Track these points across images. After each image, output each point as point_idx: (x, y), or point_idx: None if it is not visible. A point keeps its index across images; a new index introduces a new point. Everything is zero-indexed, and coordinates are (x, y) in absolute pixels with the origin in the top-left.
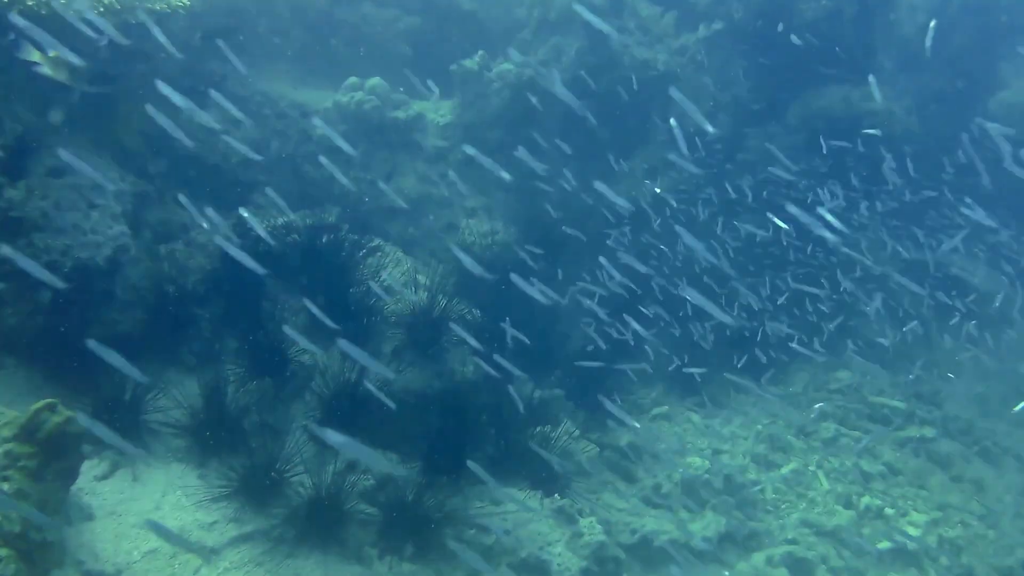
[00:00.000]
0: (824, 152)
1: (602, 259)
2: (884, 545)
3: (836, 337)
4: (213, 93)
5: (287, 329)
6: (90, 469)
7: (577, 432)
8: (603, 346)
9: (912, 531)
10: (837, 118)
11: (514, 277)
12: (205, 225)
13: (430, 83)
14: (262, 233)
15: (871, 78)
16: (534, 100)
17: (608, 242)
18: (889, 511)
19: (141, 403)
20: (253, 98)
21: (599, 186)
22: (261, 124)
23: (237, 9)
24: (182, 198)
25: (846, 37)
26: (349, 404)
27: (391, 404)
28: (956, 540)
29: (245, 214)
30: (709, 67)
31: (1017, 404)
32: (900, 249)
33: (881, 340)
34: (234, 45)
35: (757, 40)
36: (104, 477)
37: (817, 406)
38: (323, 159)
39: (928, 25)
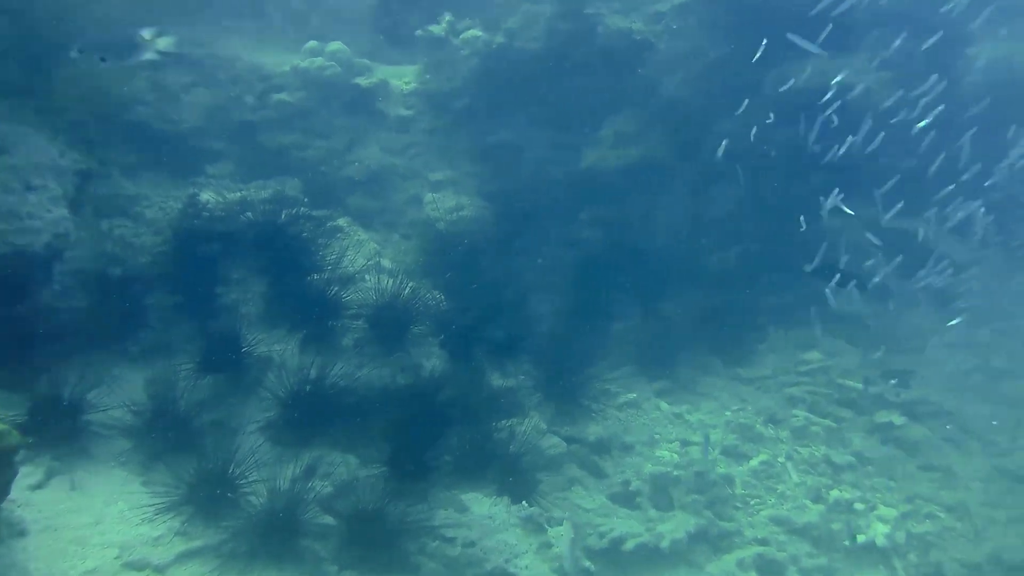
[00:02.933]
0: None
1: None
2: (853, 542)
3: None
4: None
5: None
6: (23, 477)
7: (545, 426)
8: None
9: (881, 527)
10: (814, 90)
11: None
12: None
13: None
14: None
15: None
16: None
17: None
18: (859, 506)
19: (82, 402)
20: (207, 60)
21: None
22: (215, 89)
23: None
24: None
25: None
26: (308, 401)
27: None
28: (925, 536)
29: (197, 191)
30: (684, 35)
31: (981, 377)
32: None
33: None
34: (191, 4)
35: (735, 8)
36: (39, 486)
37: None
38: None
39: None
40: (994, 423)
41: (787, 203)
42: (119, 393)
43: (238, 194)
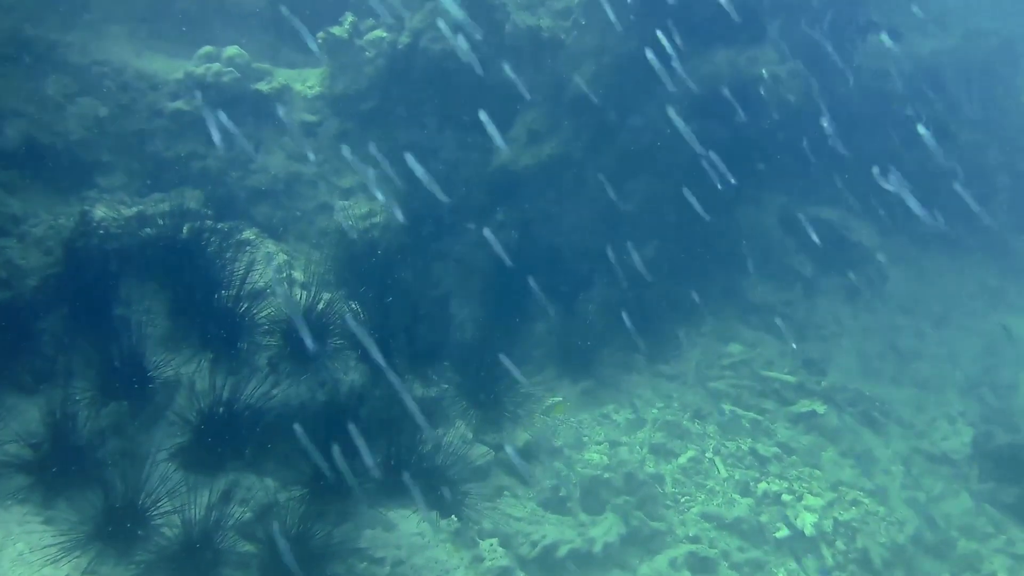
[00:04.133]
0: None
1: None
2: (782, 533)
3: (722, 301)
4: None
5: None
6: None
7: (471, 435)
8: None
9: (808, 517)
10: (724, 82)
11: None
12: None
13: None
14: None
15: None
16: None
17: None
18: (786, 497)
19: None
20: (91, 68)
21: None
22: (102, 98)
23: None
24: None
25: None
26: (221, 424)
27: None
28: (850, 522)
29: (89, 207)
30: (591, 30)
31: (894, 361)
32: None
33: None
34: (67, 6)
35: (644, 1)
36: None
37: None
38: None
39: None
40: (909, 406)
41: (703, 196)
42: (13, 426)
43: (135, 209)
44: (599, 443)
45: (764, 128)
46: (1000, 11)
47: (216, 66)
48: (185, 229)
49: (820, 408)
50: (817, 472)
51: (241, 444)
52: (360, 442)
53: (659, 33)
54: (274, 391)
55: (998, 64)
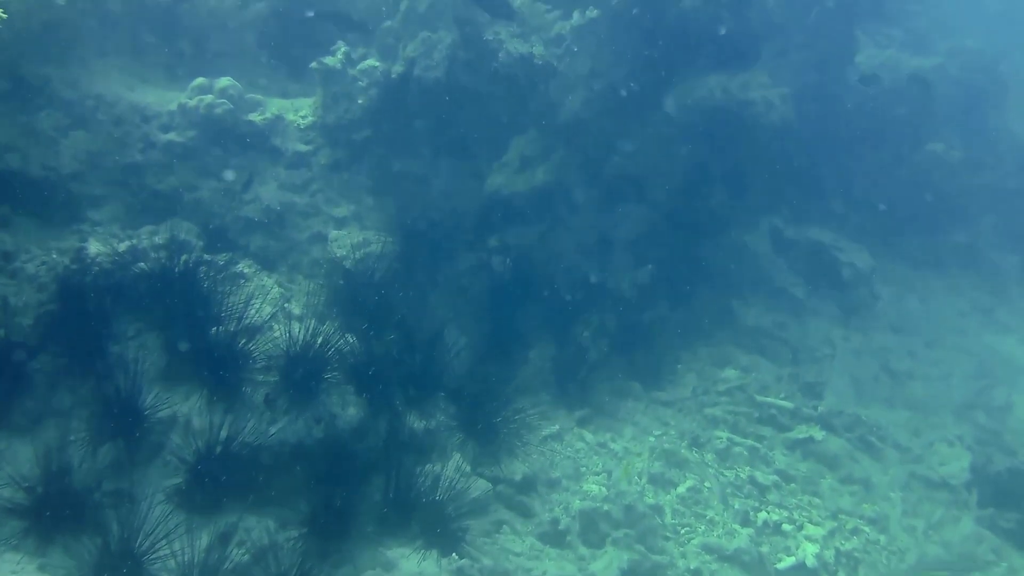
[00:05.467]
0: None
1: None
2: (785, 564)
3: (717, 325)
4: None
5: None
6: None
7: (468, 468)
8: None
9: (810, 547)
10: (716, 108)
11: None
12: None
13: None
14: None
15: None
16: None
17: None
18: (787, 526)
19: None
20: (84, 102)
21: None
22: (95, 131)
23: (59, 6)
24: None
25: (725, 23)
26: (218, 464)
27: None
28: (852, 552)
29: (83, 244)
30: (585, 56)
31: (887, 383)
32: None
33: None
34: (59, 42)
35: (635, 28)
36: None
37: None
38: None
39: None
40: (905, 429)
41: (696, 220)
42: (6, 469)
43: (128, 243)
44: (597, 473)
45: (756, 151)
46: (984, 29)
47: (209, 97)
48: (179, 262)
49: (818, 434)
50: (817, 500)
51: (239, 483)
52: (358, 478)
53: (651, 58)
54: (271, 428)
55: (982, 82)
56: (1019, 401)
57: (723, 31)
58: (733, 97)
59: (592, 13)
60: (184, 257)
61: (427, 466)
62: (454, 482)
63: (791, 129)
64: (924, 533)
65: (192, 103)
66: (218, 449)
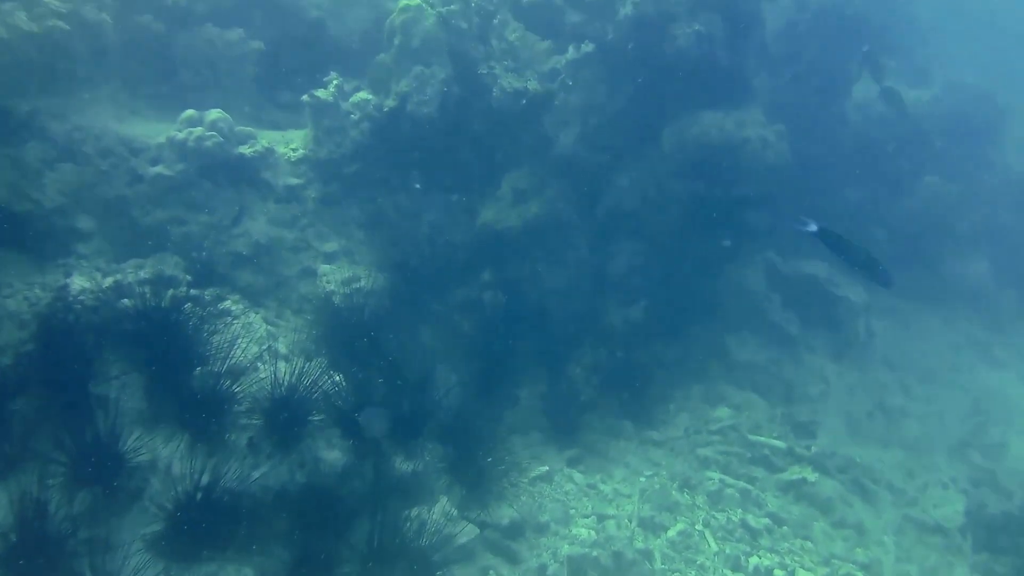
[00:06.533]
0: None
1: None
2: None
3: (710, 362)
4: None
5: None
6: None
7: (455, 512)
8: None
9: None
10: (712, 145)
11: None
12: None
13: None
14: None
15: None
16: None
17: None
18: (778, 572)
19: None
20: (72, 134)
21: None
22: (82, 164)
23: (53, 37)
24: None
25: (720, 61)
26: (199, 510)
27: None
28: None
29: (67, 280)
30: (580, 91)
31: (881, 420)
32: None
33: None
34: (48, 73)
35: (631, 63)
36: None
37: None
38: None
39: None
40: (899, 470)
41: (690, 255)
42: None
43: (113, 278)
44: (586, 516)
45: (752, 187)
46: (979, 65)
47: (199, 130)
48: (165, 299)
49: (811, 476)
50: (809, 544)
51: (220, 531)
52: (342, 524)
53: (646, 93)
54: (254, 473)
55: (979, 117)
56: (1014, 440)
57: (719, 68)
58: (728, 135)
59: (587, 48)
60: (170, 293)
61: (413, 510)
62: (440, 527)
63: (787, 165)
64: None
65: (181, 136)
66: (198, 495)
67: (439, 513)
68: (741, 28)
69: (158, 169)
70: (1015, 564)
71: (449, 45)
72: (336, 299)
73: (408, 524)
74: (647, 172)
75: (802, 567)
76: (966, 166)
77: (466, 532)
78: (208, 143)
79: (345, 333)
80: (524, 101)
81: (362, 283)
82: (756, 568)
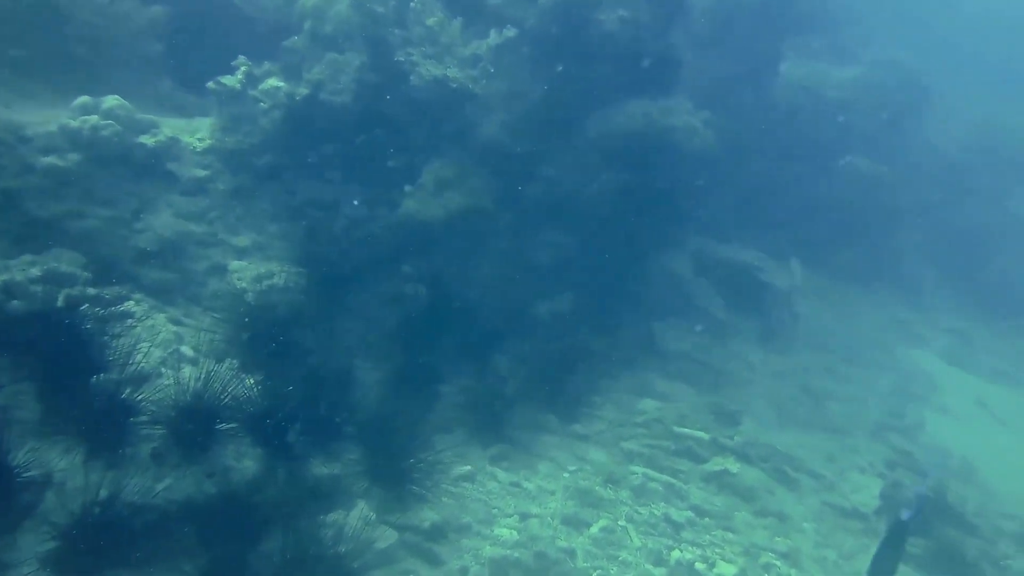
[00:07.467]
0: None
1: None
2: None
3: (637, 352)
4: None
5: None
6: None
7: (374, 516)
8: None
9: None
10: (639, 134)
11: None
12: None
13: None
14: None
15: None
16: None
17: None
18: (699, 565)
19: None
20: None
21: None
22: None
23: None
24: None
25: (646, 45)
26: (97, 526)
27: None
28: None
29: None
30: (501, 78)
31: (806, 404)
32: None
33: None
34: None
35: (555, 48)
36: None
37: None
38: None
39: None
40: (820, 455)
41: (618, 244)
42: None
43: (1, 277)
44: (509, 515)
45: (679, 175)
46: (907, 43)
47: (94, 118)
48: (61, 298)
49: (733, 467)
50: (730, 535)
51: (120, 547)
52: (253, 534)
53: (570, 80)
54: (158, 486)
55: (903, 94)
56: (931, 417)
57: (645, 54)
58: (655, 123)
59: (509, 32)
60: (67, 291)
61: (331, 515)
62: (358, 532)
63: (714, 152)
64: (835, 564)
65: (75, 124)
66: (96, 510)
67: (356, 518)
68: (666, 12)
69: (50, 159)
70: (926, 545)
71: (364, 30)
72: (248, 296)
73: (325, 530)
74: (573, 161)
75: (723, 559)
76: (890, 145)
77: (386, 536)
78: (105, 132)
79: (259, 333)
80: (444, 88)
81: (276, 279)
82: (678, 561)
